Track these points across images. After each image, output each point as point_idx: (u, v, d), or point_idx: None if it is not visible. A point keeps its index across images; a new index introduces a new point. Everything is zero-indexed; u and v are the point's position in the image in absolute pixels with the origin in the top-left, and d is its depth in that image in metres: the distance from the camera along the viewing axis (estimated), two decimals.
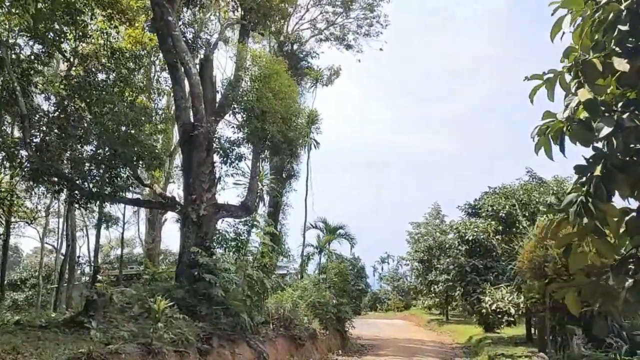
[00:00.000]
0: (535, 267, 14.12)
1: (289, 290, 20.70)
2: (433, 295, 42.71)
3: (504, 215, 20.67)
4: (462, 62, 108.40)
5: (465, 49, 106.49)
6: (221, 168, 16.47)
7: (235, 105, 16.35)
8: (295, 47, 31.70)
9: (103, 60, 15.74)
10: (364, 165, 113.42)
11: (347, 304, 24.27)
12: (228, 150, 16.07)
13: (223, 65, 71.64)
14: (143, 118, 15.77)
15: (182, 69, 15.37)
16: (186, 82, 15.73)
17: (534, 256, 14.16)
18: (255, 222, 17.04)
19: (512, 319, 17.69)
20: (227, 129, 17.32)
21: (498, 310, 17.72)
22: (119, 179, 15.19)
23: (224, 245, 16.04)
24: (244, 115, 16.25)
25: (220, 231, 16.26)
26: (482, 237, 20.08)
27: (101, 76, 15.82)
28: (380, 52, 32.26)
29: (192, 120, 15.43)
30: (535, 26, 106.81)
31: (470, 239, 20.07)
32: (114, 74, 15.75)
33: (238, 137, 16.47)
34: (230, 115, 16.95)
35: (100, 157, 14.68)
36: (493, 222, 20.86)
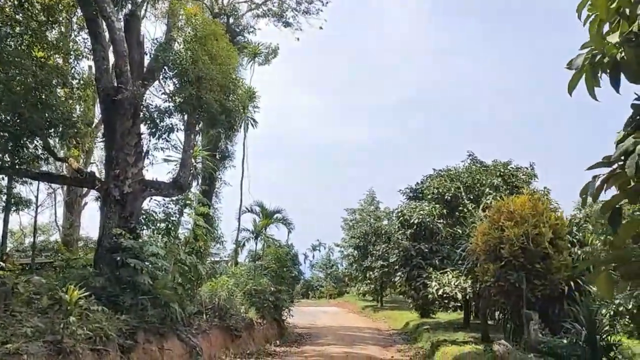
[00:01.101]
0: (490, 249, 13.42)
1: (223, 277, 19.16)
2: (368, 281, 42.46)
3: (449, 198, 20.07)
4: (396, 52, 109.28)
5: (395, 40, 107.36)
6: (149, 140, 14.57)
7: (167, 69, 14.45)
8: (231, 20, 29.73)
9: (8, 11, 13.39)
10: (296, 153, 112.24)
11: (286, 291, 23.04)
12: (157, 120, 14.19)
13: (152, 27, 67.26)
14: (55, 80, 13.55)
15: (104, 24, 13.31)
16: (108, 39, 13.68)
17: (488, 238, 13.44)
18: (188, 202, 15.32)
19: (458, 304, 17.08)
20: (156, 97, 15.34)
21: (445, 295, 17.04)
22: (25, 149, 12.99)
23: (152, 227, 14.23)
24: (177, 81, 14.41)
25: (148, 211, 14.42)
26: (427, 220, 19.36)
27: (6, 30, 13.43)
28: (314, 38, 30.86)
29: (115, 83, 13.44)
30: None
31: (415, 222, 19.30)
32: (21, 27, 13.42)
33: (169, 106, 14.60)
34: (161, 80, 15.00)
35: (1, 122, 12.40)
36: (437, 206, 20.23)
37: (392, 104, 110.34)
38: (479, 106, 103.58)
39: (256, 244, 33.53)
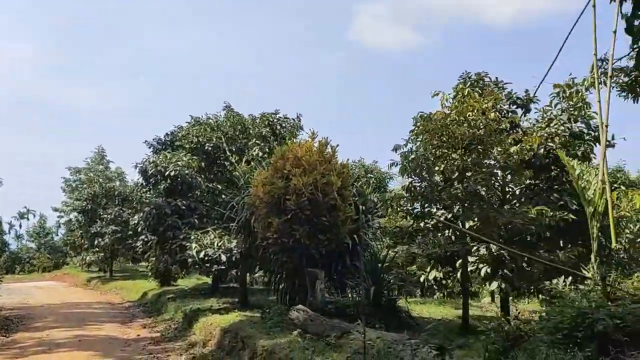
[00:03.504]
0: (273, 200, 11.50)
1: None
2: (97, 250, 37.08)
3: (209, 148, 17.57)
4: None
5: None
6: None
7: None
8: None
9: None
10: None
11: None
12: None
13: None
14: None
15: None
16: None
17: (272, 188, 11.50)
18: None
19: (222, 268, 14.88)
20: None
21: (207, 258, 14.64)
22: None
23: None
24: None
25: None
26: (185, 172, 16.51)
27: None
28: None
29: None
30: None
31: (172, 174, 16.24)
32: None
33: None
34: None
35: None
36: (195, 157, 17.54)
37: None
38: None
39: None
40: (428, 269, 15.18)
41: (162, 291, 25.33)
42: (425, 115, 10.43)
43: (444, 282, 15.03)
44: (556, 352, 5.97)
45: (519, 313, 9.12)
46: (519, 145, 9.83)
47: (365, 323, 9.63)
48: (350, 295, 11.25)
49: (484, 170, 9.90)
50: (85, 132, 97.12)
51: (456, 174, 10.61)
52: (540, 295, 13.28)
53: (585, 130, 12.77)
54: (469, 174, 10.13)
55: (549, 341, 6.36)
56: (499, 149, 9.76)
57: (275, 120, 17.80)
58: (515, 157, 9.81)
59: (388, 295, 11.27)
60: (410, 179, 10.49)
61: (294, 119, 18.14)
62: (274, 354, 8.45)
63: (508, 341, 4.76)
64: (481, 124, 9.72)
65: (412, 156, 10.04)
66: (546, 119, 11.80)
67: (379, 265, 11.49)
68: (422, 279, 15.01)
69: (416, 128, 10.46)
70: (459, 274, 12.78)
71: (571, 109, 12.42)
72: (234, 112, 19.85)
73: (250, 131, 17.72)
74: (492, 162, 9.73)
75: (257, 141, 16.79)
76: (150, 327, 17.50)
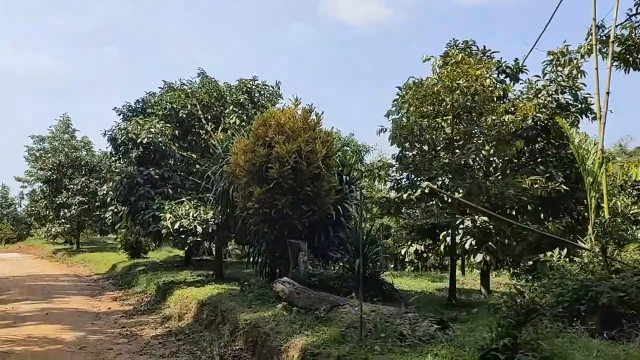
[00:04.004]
0: (254, 169, 10.97)
1: None
2: (63, 221, 35.84)
3: (184, 115, 16.78)
4: None
5: None
6: None
7: None
8: None
9: None
10: None
11: None
12: None
13: None
14: None
15: None
16: None
17: (254, 156, 10.95)
18: None
19: (198, 239, 14.32)
20: None
21: (182, 229, 14.06)
22: None
23: None
24: None
25: None
26: (159, 140, 15.73)
27: None
28: None
29: None
30: None
31: (144, 142, 15.43)
32: None
33: None
34: None
35: None
36: (169, 125, 16.72)
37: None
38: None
39: None
40: (409, 242, 14.97)
41: (133, 263, 24.64)
42: (417, 81, 9.98)
43: (424, 255, 14.80)
44: (560, 325, 5.73)
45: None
46: (513, 114, 9.49)
47: (353, 296, 9.34)
48: (332, 268, 10.88)
49: (474, 140, 9.55)
50: (47, 100, 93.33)
51: (444, 144, 10.26)
52: (517, 269, 13.23)
53: (572, 102, 12.58)
54: (457, 143, 9.78)
55: (550, 314, 6.11)
56: (493, 117, 9.41)
57: (253, 86, 17.06)
58: (509, 126, 9.48)
59: (373, 267, 10.94)
60: (400, 148, 10.06)
61: (272, 87, 17.44)
62: (257, 327, 8.04)
63: (521, 315, 4.43)
64: (474, 91, 9.33)
65: (404, 123, 9.59)
66: (534, 90, 11.50)
67: (363, 237, 11.12)
68: (403, 252, 14.79)
69: (405, 95, 9.99)
70: (442, 247, 12.57)
71: (560, 79, 12.16)
72: (209, 79, 18.98)
73: (227, 98, 16.95)
74: (485, 131, 9.37)
75: (234, 108, 16.07)
76: (121, 300, 16.91)
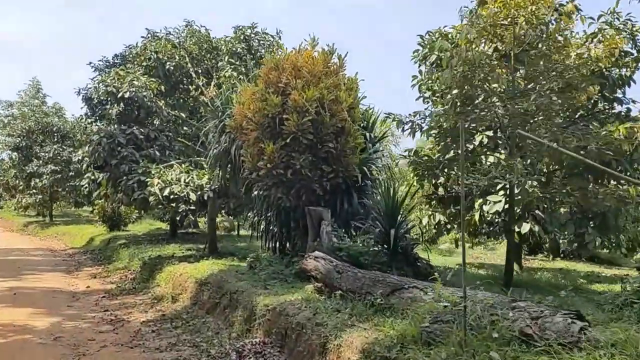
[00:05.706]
0: (266, 121, 9.03)
1: None
2: (34, 191, 33.37)
3: (172, 68, 14.61)
4: None
5: None
6: None
7: None
8: None
9: None
10: None
11: None
12: None
13: None
14: None
15: None
16: None
17: (264, 105, 9.00)
18: None
19: (192, 208, 12.38)
20: None
21: (173, 197, 12.11)
22: None
23: None
24: None
25: None
26: (143, 94, 13.58)
27: None
28: None
29: None
30: None
31: (126, 96, 13.27)
32: None
33: None
34: None
35: None
36: (154, 79, 14.57)
37: None
38: None
39: None
40: (430, 212, 13.33)
41: (112, 236, 22.64)
42: (475, 9, 8.15)
43: (448, 226, 13.18)
44: None
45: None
46: (599, 50, 7.71)
47: (392, 273, 7.63)
48: (358, 240, 9.09)
49: (540, 85, 7.77)
50: (14, 66, 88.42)
51: (502, 89, 8.51)
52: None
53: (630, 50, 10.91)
54: (520, 88, 8.02)
55: None
56: (577, 53, 7.62)
57: (252, 34, 14.90)
58: (593, 64, 7.74)
59: (405, 240, 9.21)
60: (455, 91, 8.20)
61: (273, 36, 15.30)
62: (285, 316, 6.24)
63: None
64: (542, 24, 7.55)
65: (459, 65, 7.71)
66: (597, 31, 9.75)
67: (395, 204, 9.35)
68: (424, 222, 13.13)
69: (464, 28, 8.07)
70: (477, 216, 10.90)
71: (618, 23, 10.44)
72: (198, 28, 16.64)
73: (223, 47, 14.77)
74: (553, 74, 7.58)
75: (230, 59, 13.95)
76: (101, 277, 14.97)
